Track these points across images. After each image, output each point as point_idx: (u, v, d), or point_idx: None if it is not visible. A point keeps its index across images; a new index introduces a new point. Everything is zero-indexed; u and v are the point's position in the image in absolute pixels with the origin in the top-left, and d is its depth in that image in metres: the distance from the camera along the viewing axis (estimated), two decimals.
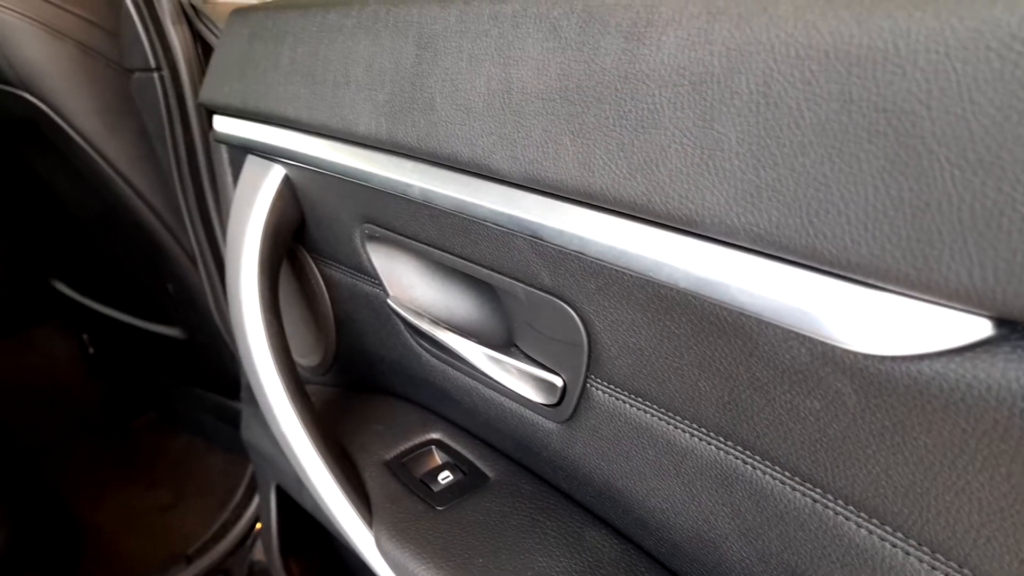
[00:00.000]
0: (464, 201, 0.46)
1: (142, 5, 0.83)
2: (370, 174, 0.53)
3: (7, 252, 1.40)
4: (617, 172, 0.36)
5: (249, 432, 0.89)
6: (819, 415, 0.33)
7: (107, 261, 1.22)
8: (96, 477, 1.43)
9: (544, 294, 0.45)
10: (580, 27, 0.38)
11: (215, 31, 0.84)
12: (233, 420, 1.35)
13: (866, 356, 0.30)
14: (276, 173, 0.65)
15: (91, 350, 1.52)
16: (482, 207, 0.45)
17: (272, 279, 0.64)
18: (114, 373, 1.54)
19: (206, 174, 0.91)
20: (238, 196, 0.67)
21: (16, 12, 0.86)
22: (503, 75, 0.42)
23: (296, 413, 0.62)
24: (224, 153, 0.74)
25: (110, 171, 0.97)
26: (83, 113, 0.93)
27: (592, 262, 0.39)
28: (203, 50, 0.87)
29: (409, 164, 0.50)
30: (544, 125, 0.39)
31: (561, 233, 0.40)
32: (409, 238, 0.54)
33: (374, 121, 0.51)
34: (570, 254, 0.41)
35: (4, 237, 1.37)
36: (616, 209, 0.37)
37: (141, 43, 0.84)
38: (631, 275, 0.38)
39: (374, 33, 0.51)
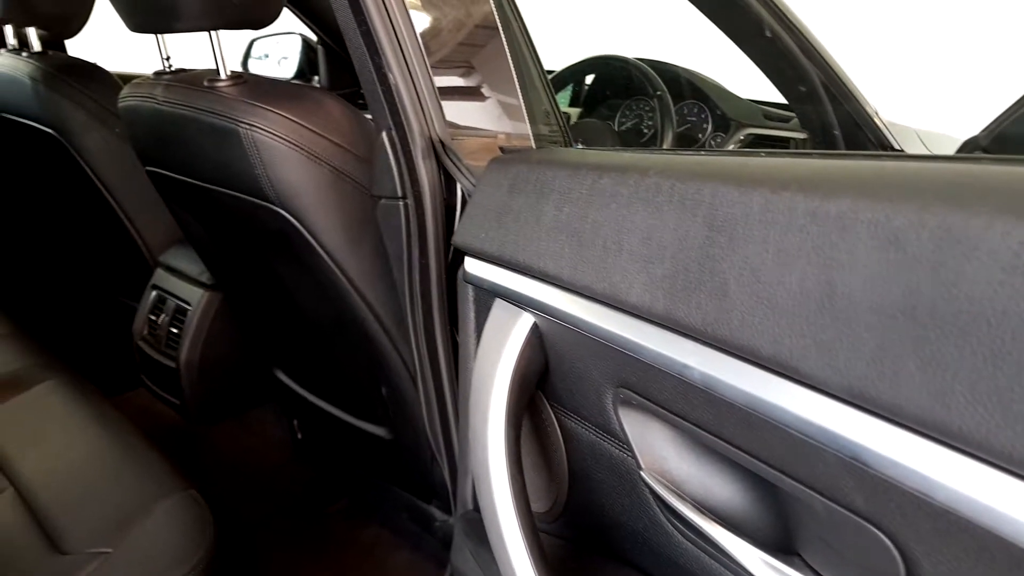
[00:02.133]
0: (759, 399, 0.43)
1: (396, 140, 0.88)
2: (639, 345, 0.52)
3: (245, 343, 1.53)
4: (987, 417, 0.31)
5: (462, 562, 0.88)
6: None
7: (328, 360, 1.29)
8: (291, 558, 1.49)
9: (853, 516, 0.40)
10: (934, 245, 0.34)
11: (459, 165, 0.88)
12: (424, 522, 1.36)
13: None
14: (525, 321, 0.65)
15: (299, 436, 1.61)
16: (783, 411, 0.41)
17: (517, 428, 0.63)
18: (317, 459, 1.62)
19: (436, 298, 0.94)
20: (486, 340, 0.67)
21: (282, 138, 0.94)
22: (823, 277, 0.39)
23: (533, 571, 0.60)
24: (470, 291, 0.76)
25: (347, 284, 1.03)
26: (329, 230, 1.00)
27: (936, 506, 0.35)
28: (445, 180, 0.91)
29: (688, 344, 0.48)
30: (879, 342, 0.36)
31: (895, 465, 0.36)
32: (675, 415, 0.52)
33: (649, 294, 0.50)
34: (903, 489, 0.36)
35: (245, 329, 1.50)
36: (983, 458, 0.32)
37: (392, 174, 0.90)
38: (996, 536, 0.32)
39: (655, 206, 0.50)
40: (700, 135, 1.47)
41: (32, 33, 1.62)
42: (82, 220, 1.76)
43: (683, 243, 0.48)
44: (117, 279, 1.88)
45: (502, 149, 0.87)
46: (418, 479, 1.27)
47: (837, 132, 1.30)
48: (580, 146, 1.41)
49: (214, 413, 1.58)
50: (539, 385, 0.68)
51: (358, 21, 0.83)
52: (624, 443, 0.58)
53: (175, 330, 1.51)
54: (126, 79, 1.54)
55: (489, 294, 0.70)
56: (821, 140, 1.33)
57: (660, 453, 0.56)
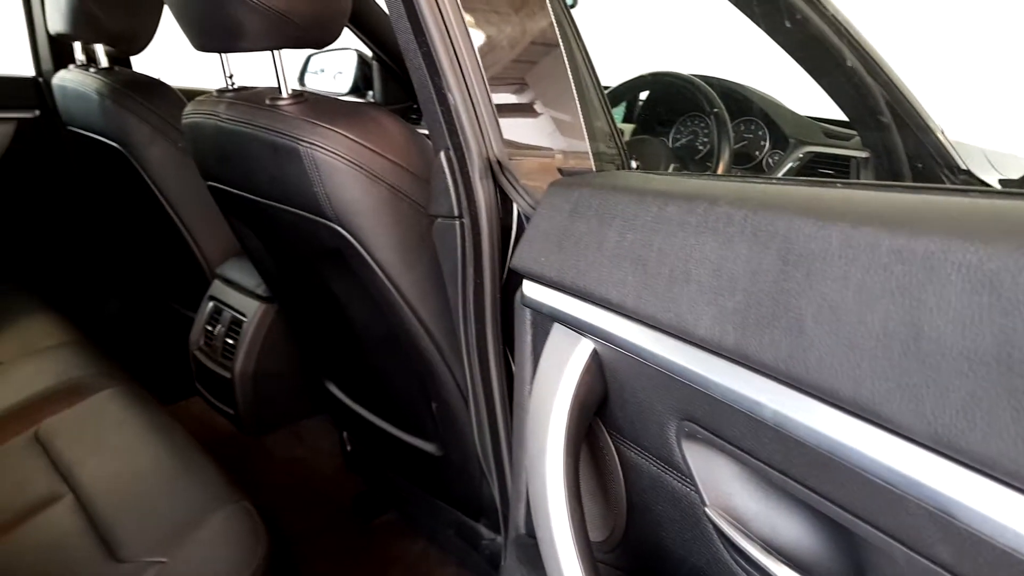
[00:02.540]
0: (836, 442, 0.41)
1: (454, 160, 0.89)
2: (707, 379, 0.50)
3: (298, 354, 1.55)
4: None
5: None
6: None
7: (379, 374, 1.30)
8: (337, 571, 1.50)
9: (937, 568, 0.38)
10: None
11: (516, 185, 0.87)
12: (471, 539, 1.36)
13: None
14: (584, 347, 0.64)
15: (349, 448, 1.62)
16: (863, 456, 0.40)
17: (576, 457, 0.63)
18: (366, 471, 1.63)
19: (489, 317, 0.94)
20: (544, 365, 0.67)
21: (341, 156, 0.95)
22: (908, 319, 0.37)
23: None
24: (527, 315, 0.75)
25: (400, 300, 1.04)
26: (385, 248, 1.00)
27: None
28: (502, 201, 0.91)
29: (760, 381, 0.46)
30: (970, 389, 0.34)
31: (986, 520, 0.34)
32: (743, 451, 0.50)
33: (719, 327, 0.48)
34: (995, 545, 0.34)
35: (299, 342, 1.52)
36: None
37: (449, 194, 0.90)
38: None
39: (725, 236, 0.49)
40: (757, 152, 1.45)
41: (100, 50, 1.67)
42: (145, 231, 1.81)
43: (756, 276, 0.46)
44: (176, 289, 1.93)
45: (560, 170, 0.86)
46: (466, 496, 1.27)
47: (901, 151, 1.27)
48: (635, 163, 1.39)
49: (267, 423, 1.60)
50: (598, 412, 0.67)
51: (419, 42, 0.84)
52: (687, 477, 0.57)
53: (231, 341, 1.54)
54: (188, 93, 1.58)
55: (547, 318, 0.70)
56: (884, 159, 1.29)
57: (726, 489, 0.55)
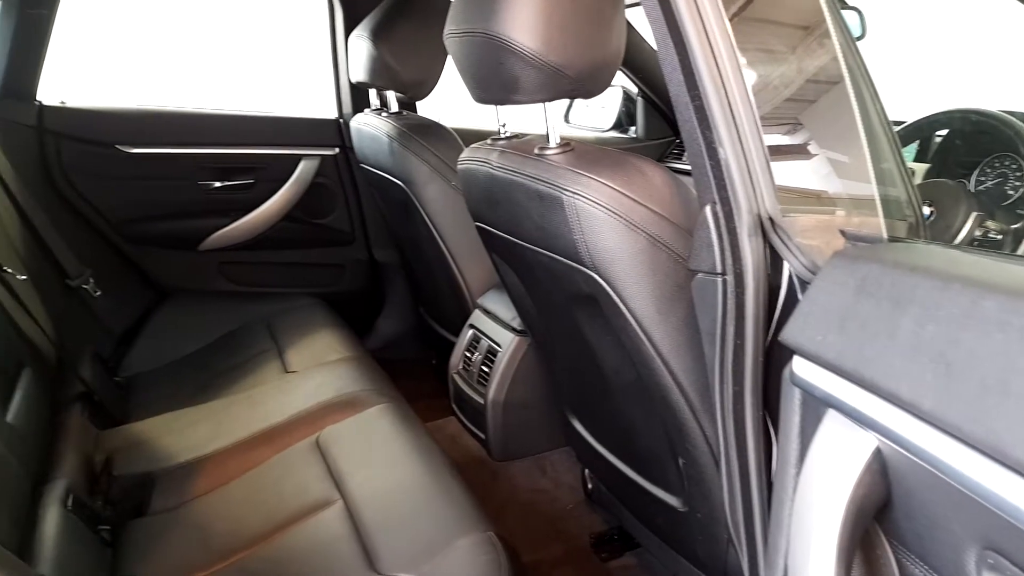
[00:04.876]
0: None
1: (720, 216, 0.84)
2: (1021, 512, 0.42)
3: (546, 388, 1.59)
4: None
5: None
6: None
7: (624, 419, 1.28)
8: None
9: None
10: None
11: (789, 244, 0.81)
12: None
13: None
14: (865, 443, 0.57)
15: (590, 485, 1.62)
16: None
17: (848, 566, 0.56)
18: (606, 511, 1.62)
19: (749, 381, 0.88)
20: (816, 455, 0.61)
21: (602, 206, 0.95)
22: None
23: None
24: (796, 394, 0.69)
25: (652, 351, 1.01)
26: (640, 297, 0.99)
27: None
28: (771, 258, 0.85)
29: None
30: None
31: None
32: None
33: None
34: None
35: (548, 376, 1.56)
36: None
37: (712, 249, 0.86)
38: None
39: None
40: None
41: (391, 96, 1.86)
42: (420, 258, 1.97)
43: None
44: (441, 314, 2.07)
45: (844, 233, 0.78)
46: (710, 558, 1.21)
47: None
48: (929, 208, 1.24)
49: (513, 451, 1.66)
50: (877, 516, 0.59)
51: (692, 96, 0.81)
52: None
53: (486, 368, 1.62)
54: (462, 134, 1.70)
55: (820, 402, 0.63)
56: None
57: None
